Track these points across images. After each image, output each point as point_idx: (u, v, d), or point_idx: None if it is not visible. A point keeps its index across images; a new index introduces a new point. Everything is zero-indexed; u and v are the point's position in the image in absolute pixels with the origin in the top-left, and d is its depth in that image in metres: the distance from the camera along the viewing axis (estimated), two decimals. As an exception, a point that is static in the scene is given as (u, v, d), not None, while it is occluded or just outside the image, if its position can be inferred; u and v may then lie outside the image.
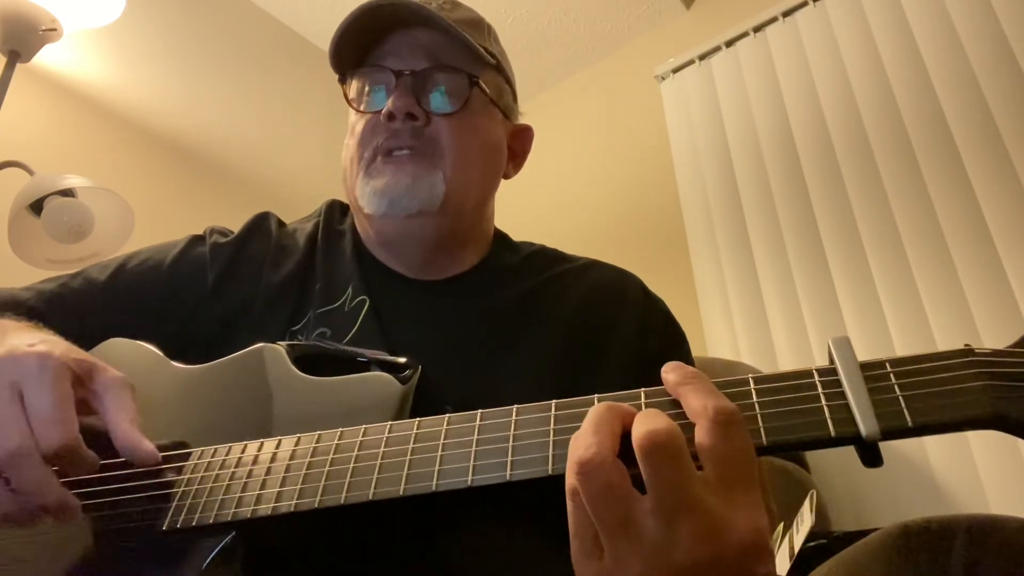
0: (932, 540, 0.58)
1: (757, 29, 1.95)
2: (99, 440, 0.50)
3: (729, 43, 1.99)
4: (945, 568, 0.56)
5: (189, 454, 0.53)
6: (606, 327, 0.72)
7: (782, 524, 1.07)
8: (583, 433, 0.39)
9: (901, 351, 1.47)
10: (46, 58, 1.84)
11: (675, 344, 0.75)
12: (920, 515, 0.61)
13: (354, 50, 0.74)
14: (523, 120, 0.86)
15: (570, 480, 0.38)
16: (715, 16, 2.13)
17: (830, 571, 0.63)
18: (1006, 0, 1.56)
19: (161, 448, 0.54)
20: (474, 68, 0.74)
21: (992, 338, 1.37)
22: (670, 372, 0.42)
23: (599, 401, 0.43)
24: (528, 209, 2.14)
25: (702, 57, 2.03)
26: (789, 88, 1.84)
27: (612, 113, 2.30)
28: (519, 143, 0.84)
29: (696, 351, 0.92)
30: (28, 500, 0.46)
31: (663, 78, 2.11)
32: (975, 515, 0.59)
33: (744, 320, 1.72)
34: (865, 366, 0.39)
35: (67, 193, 1.61)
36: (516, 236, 0.87)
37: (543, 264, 0.80)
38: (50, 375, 0.48)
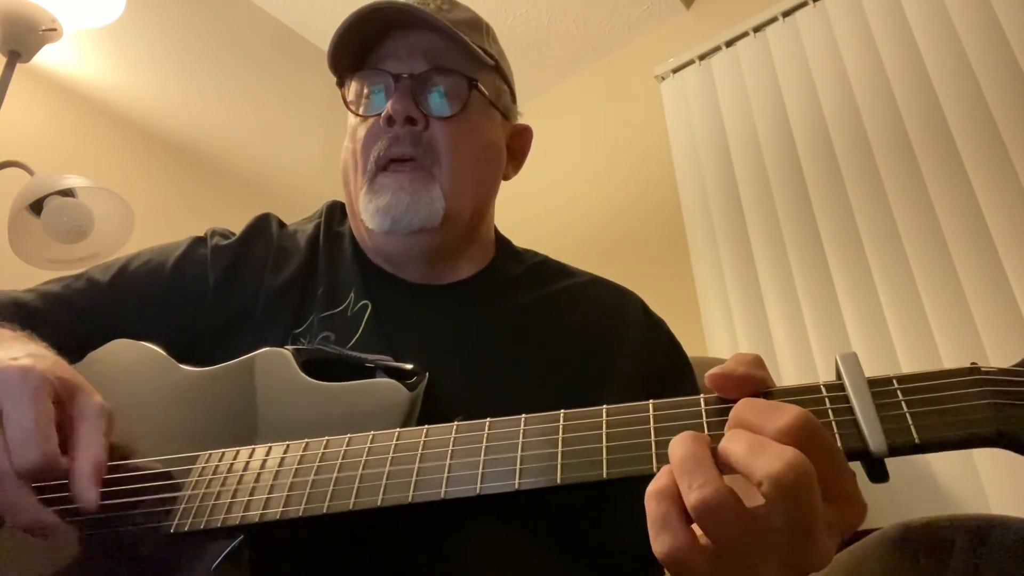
0: (933, 540, 0.58)
1: (757, 29, 1.95)
2: None
3: (729, 43, 1.99)
4: (945, 568, 0.56)
5: (196, 457, 0.54)
6: (608, 346, 0.72)
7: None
8: (682, 473, 0.36)
9: (900, 350, 1.48)
10: (46, 58, 1.84)
11: (680, 364, 0.75)
12: (920, 515, 0.62)
13: (352, 53, 0.74)
14: (523, 121, 0.86)
15: (673, 539, 0.35)
16: (715, 16, 2.13)
17: (829, 571, 0.63)
18: (1006, 0, 1.57)
19: (154, 465, 0.53)
20: (473, 70, 0.74)
21: (989, 332, 1.37)
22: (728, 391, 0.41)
23: (607, 413, 0.43)
24: (529, 209, 2.15)
25: (702, 57, 2.03)
26: (789, 88, 1.84)
27: (612, 113, 2.30)
28: (518, 143, 0.84)
29: (696, 351, 0.92)
30: (5, 518, 0.45)
31: (663, 78, 2.11)
32: (975, 515, 0.59)
33: (744, 320, 1.72)
34: (872, 382, 0.39)
35: (67, 193, 1.61)
36: (517, 236, 0.87)
37: (546, 277, 0.80)
38: (30, 392, 0.47)
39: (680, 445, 0.37)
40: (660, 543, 0.36)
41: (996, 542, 0.56)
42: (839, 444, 0.38)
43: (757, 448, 0.35)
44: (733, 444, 0.37)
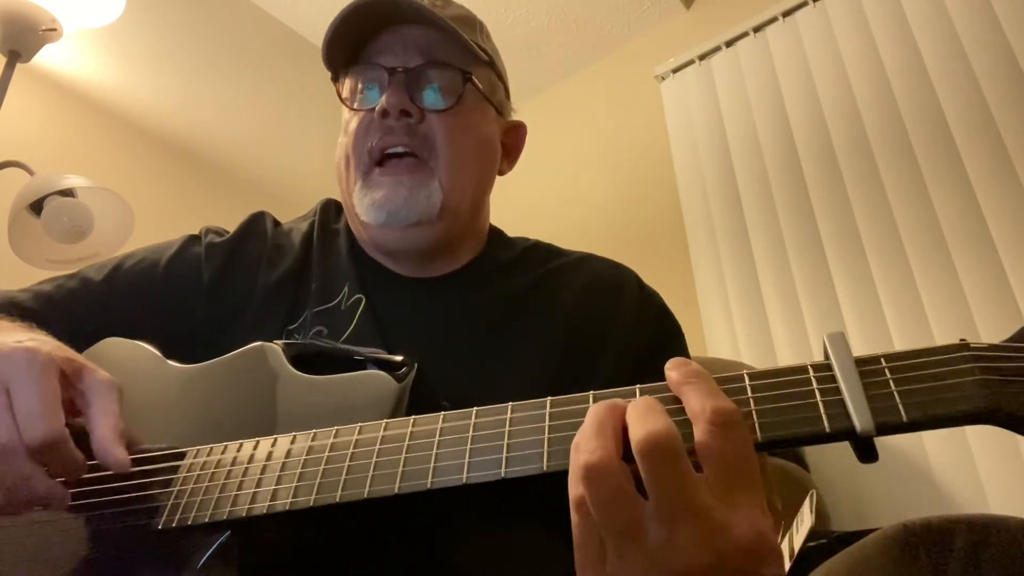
0: (932, 540, 0.58)
1: (757, 29, 1.95)
2: (86, 441, 0.49)
3: (729, 43, 1.99)
4: (945, 568, 0.56)
5: (184, 453, 0.53)
6: (603, 321, 0.72)
7: (783, 524, 1.07)
8: (586, 436, 0.38)
9: (900, 349, 1.47)
10: (46, 58, 1.85)
11: (671, 337, 0.75)
12: (920, 515, 0.61)
13: (347, 48, 0.74)
14: (523, 120, 0.86)
15: (576, 489, 0.37)
16: (715, 16, 2.13)
17: (830, 571, 0.63)
18: (1006, 0, 1.56)
19: (151, 452, 0.53)
20: (467, 64, 0.74)
21: (991, 334, 1.37)
22: (672, 369, 0.41)
23: (595, 399, 0.43)
24: (529, 209, 2.14)
25: (702, 57, 2.03)
26: (789, 88, 1.84)
27: (612, 113, 2.29)
28: (512, 139, 0.84)
29: (696, 351, 0.92)
30: (15, 494, 0.47)
31: (663, 78, 2.11)
32: (975, 515, 0.59)
33: (744, 320, 1.71)
34: (860, 361, 0.39)
35: (67, 193, 1.61)
36: (516, 235, 0.87)
37: (538, 259, 0.80)
38: (37, 371, 0.48)
39: (643, 400, 0.39)
40: (588, 451, 0.37)
41: (996, 542, 0.56)
42: (826, 424, 0.38)
43: (644, 411, 0.37)
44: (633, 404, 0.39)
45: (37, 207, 1.60)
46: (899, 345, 1.48)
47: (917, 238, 1.53)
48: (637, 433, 0.36)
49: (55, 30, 1.62)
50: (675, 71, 2.08)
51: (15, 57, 1.61)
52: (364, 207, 0.71)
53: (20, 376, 0.47)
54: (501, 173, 0.83)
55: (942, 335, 1.43)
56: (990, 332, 1.37)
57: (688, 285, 1.85)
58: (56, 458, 0.47)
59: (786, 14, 1.90)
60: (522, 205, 2.04)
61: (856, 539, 0.64)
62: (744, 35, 1.97)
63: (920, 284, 1.50)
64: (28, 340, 0.51)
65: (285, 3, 2.15)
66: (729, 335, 1.72)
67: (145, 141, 2.19)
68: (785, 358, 1.62)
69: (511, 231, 0.87)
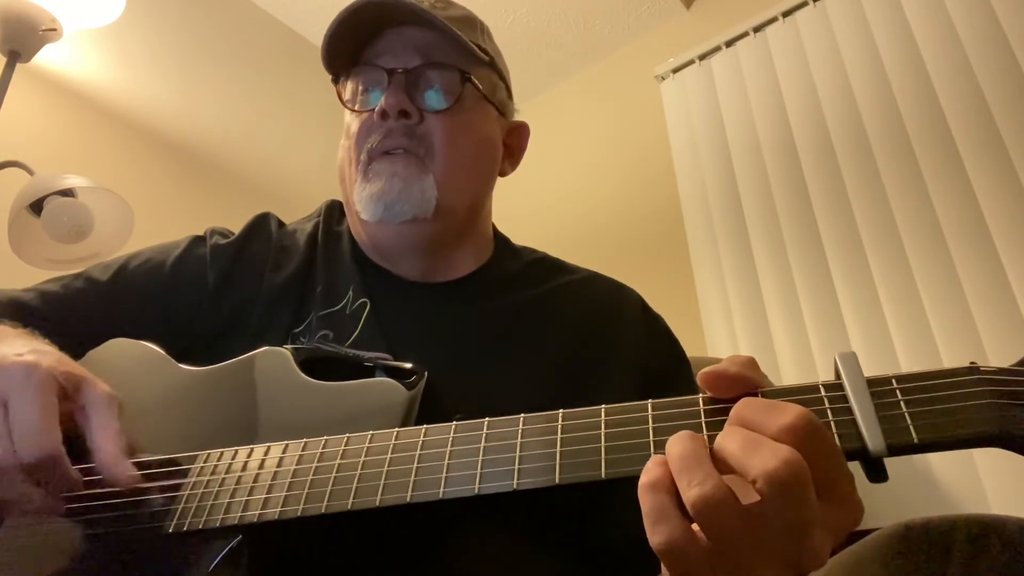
0: (932, 540, 0.58)
1: (757, 29, 1.95)
2: (87, 453, 0.49)
3: (729, 43, 1.99)
4: (945, 568, 0.56)
5: (195, 457, 0.54)
6: (606, 342, 0.72)
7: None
8: (686, 469, 0.36)
9: (900, 351, 1.47)
10: (46, 58, 1.84)
11: (677, 361, 0.75)
12: (920, 515, 0.62)
13: (347, 50, 0.74)
14: (523, 120, 0.86)
15: (670, 526, 0.36)
16: (715, 16, 2.13)
17: (829, 571, 0.63)
18: (1006, 0, 1.57)
19: (153, 464, 0.53)
20: (467, 65, 0.74)
21: (990, 333, 1.37)
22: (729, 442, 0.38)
23: (606, 413, 0.43)
24: (529, 209, 2.15)
25: (702, 57, 2.03)
26: (789, 88, 1.84)
27: (612, 113, 2.30)
28: (515, 140, 0.84)
29: (696, 351, 0.92)
30: (11, 508, 0.47)
31: (663, 78, 2.11)
32: (975, 515, 0.59)
33: (744, 320, 1.72)
34: (871, 382, 0.39)
35: (67, 193, 1.61)
36: (516, 236, 0.87)
37: (544, 273, 0.80)
38: (35, 385, 0.47)
39: (678, 443, 0.38)
40: (657, 534, 0.36)
41: (996, 542, 0.56)
42: (838, 444, 0.38)
43: (752, 445, 0.36)
44: (728, 441, 0.37)
45: (37, 207, 1.60)
46: (898, 343, 1.49)
47: (917, 237, 1.53)
48: (768, 465, 0.34)
49: (55, 30, 1.62)
50: (675, 71, 2.08)
51: (15, 57, 1.60)
52: (363, 202, 0.71)
53: (18, 391, 0.47)
54: (503, 174, 0.83)
55: (941, 332, 1.44)
56: (988, 329, 1.38)
57: (688, 285, 1.85)
58: (51, 475, 0.47)
59: (786, 14, 1.90)
60: (521, 205, 2.04)
61: (856, 539, 0.64)
62: (744, 35, 1.97)
63: (919, 282, 1.50)
64: (28, 353, 0.50)
65: (285, 3, 2.15)
66: (729, 335, 1.72)
67: (145, 141, 2.19)
68: (785, 358, 1.62)
69: (510, 230, 0.87)
